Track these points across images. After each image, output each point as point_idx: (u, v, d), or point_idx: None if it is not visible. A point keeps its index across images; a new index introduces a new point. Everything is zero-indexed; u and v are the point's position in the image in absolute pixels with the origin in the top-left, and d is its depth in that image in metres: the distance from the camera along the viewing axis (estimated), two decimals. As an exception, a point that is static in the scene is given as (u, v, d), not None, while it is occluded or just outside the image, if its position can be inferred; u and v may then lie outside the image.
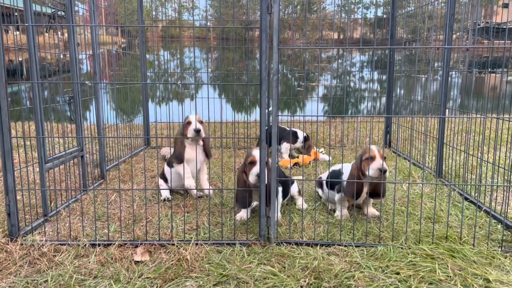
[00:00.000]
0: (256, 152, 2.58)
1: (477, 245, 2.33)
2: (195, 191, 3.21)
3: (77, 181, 3.32)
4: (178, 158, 3.11)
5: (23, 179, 3.49)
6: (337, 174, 2.86)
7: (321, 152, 4.69)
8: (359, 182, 2.61)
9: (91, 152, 3.81)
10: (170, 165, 3.20)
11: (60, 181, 3.37)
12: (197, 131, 3.06)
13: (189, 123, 3.12)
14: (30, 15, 2.48)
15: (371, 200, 2.90)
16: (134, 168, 4.13)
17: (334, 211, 2.92)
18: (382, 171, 2.49)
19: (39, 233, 2.54)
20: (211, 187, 3.15)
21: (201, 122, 3.17)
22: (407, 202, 2.59)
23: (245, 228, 2.61)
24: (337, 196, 2.83)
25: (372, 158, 2.55)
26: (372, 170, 2.53)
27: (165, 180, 3.31)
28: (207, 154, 3.28)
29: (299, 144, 4.64)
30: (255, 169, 2.51)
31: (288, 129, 4.64)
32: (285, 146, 4.55)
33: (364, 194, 2.72)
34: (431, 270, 2.04)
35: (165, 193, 3.22)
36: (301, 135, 4.64)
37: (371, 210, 2.87)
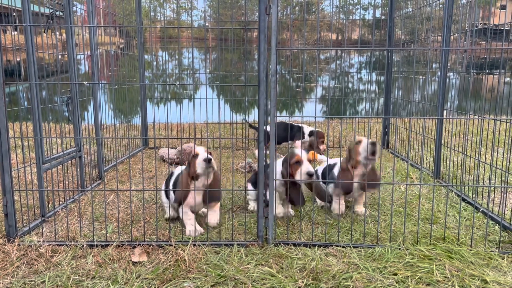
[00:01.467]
0: (299, 151, 2.61)
1: (474, 246, 2.33)
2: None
3: (74, 181, 3.31)
4: (178, 200, 2.57)
5: (20, 179, 3.48)
6: (331, 167, 2.92)
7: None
8: (351, 175, 2.68)
9: (89, 152, 3.80)
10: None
11: (58, 181, 3.36)
12: (208, 161, 2.48)
13: (196, 155, 2.53)
14: (28, 15, 2.48)
15: (363, 197, 2.94)
16: (132, 169, 4.12)
17: (329, 209, 2.93)
18: (372, 146, 2.60)
19: (37, 233, 2.54)
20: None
21: (210, 154, 2.58)
22: (405, 203, 2.59)
23: (243, 229, 2.61)
24: (330, 187, 2.88)
25: (359, 142, 2.66)
26: (363, 151, 2.62)
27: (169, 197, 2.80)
28: (215, 197, 2.62)
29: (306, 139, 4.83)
30: (304, 168, 2.57)
31: (296, 125, 4.81)
32: (298, 144, 4.72)
33: (356, 186, 2.78)
34: (429, 271, 2.05)
35: (170, 212, 2.81)
36: (306, 130, 4.82)
37: (360, 208, 2.91)
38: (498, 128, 4.76)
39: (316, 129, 4.80)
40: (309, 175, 2.58)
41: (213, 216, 2.61)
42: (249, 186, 3.04)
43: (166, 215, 2.82)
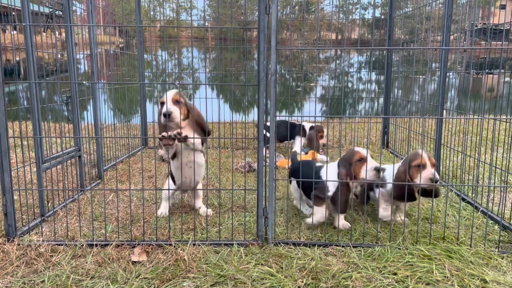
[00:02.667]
0: (359, 148, 2.50)
1: (474, 245, 2.34)
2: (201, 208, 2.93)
3: (74, 181, 3.31)
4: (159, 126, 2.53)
5: (20, 179, 3.48)
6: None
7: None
8: (410, 186, 2.47)
9: (88, 152, 3.80)
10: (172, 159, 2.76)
11: (58, 181, 3.36)
12: (168, 115, 2.36)
13: (162, 104, 2.46)
14: (27, 14, 2.48)
15: (402, 207, 2.80)
16: (132, 168, 4.12)
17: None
18: (434, 181, 2.38)
19: (36, 233, 2.53)
20: (208, 209, 2.91)
21: (176, 102, 2.45)
22: (405, 203, 2.59)
23: (243, 228, 2.61)
24: (382, 195, 2.67)
25: (424, 165, 2.41)
26: (423, 179, 2.40)
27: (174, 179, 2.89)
28: (204, 131, 2.61)
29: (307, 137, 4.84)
30: (370, 165, 2.42)
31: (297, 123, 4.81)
32: (298, 140, 4.73)
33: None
34: (428, 270, 2.05)
35: (163, 208, 2.90)
36: (307, 127, 4.81)
37: (402, 216, 2.75)
38: (497, 127, 4.76)
39: (315, 124, 4.78)
40: (378, 170, 2.41)
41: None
42: (294, 183, 2.92)
43: (158, 213, 2.85)
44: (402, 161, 2.60)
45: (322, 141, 4.66)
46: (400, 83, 4.91)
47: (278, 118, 2.92)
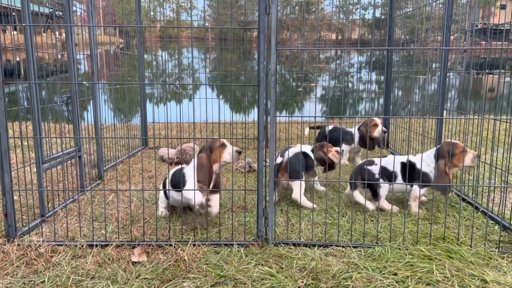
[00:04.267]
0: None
1: (474, 246, 2.33)
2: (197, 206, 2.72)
3: (74, 181, 3.31)
4: (204, 181, 2.58)
5: (20, 179, 3.48)
6: (411, 166, 2.80)
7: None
8: (448, 179, 2.73)
9: (88, 152, 3.80)
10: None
11: (58, 181, 3.36)
12: (239, 152, 2.66)
13: (224, 145, 2.66)
14: (27, 15, 2.48)
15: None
16: (132, 169, 4.12)
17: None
18: (478, 157, 2.76)
19: (36, 233, 2.54)
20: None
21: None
22: (405, 203, 2.59)
23: (243, 229, 2.61)
24: (420, 191, 2.84)
25: (464, 151, 2.73)
26: (469, 159, 2.73)
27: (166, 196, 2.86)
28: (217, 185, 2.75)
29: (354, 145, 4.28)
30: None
31: (349, 130, 4.36)
32: (345, 148, 4.28)
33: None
34: (429, 271, 2.05)
35: (162, 209, 2.92)
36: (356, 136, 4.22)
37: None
38: (498, 128, 4.76)
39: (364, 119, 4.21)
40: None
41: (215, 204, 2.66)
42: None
43: (159, 213, 2.88)
44: (434, 156, 2.78)
45: (377, 130, 3.94)
46: (400, 83, 4.90)
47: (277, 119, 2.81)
